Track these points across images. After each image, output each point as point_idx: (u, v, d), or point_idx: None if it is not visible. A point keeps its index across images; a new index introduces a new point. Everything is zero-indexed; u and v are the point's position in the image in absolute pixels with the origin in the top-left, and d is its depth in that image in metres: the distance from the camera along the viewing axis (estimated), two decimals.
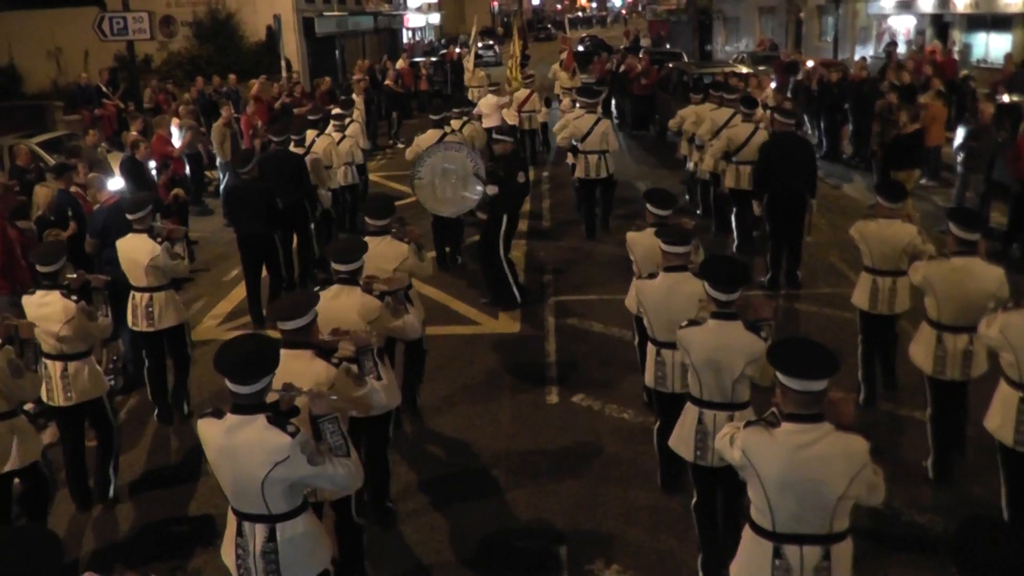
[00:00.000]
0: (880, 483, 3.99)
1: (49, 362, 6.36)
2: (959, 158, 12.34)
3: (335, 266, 5.97)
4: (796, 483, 3.91)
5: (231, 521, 4.33)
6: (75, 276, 6.58)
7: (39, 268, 6.46)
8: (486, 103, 16.91)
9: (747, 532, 4.18)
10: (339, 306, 5.70)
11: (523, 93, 17.50)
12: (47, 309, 6.29)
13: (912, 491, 6.40)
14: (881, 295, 7.35)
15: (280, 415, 4.12)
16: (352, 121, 13.82)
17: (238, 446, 4.05)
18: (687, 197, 14.26)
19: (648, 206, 7.24)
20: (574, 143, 12.60)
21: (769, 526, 4.04)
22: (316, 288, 6.09)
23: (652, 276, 6.18)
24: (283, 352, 4.70)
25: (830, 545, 3.98)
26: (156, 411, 8.04)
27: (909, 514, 6.19)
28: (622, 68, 22.62)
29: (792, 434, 3.93)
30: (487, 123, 15.28)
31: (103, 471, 6.81)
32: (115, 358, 8.70)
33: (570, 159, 13.33)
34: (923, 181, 14.27)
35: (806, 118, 18.65)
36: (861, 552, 4.29)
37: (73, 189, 9.62)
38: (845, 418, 3.98)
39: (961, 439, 6.55)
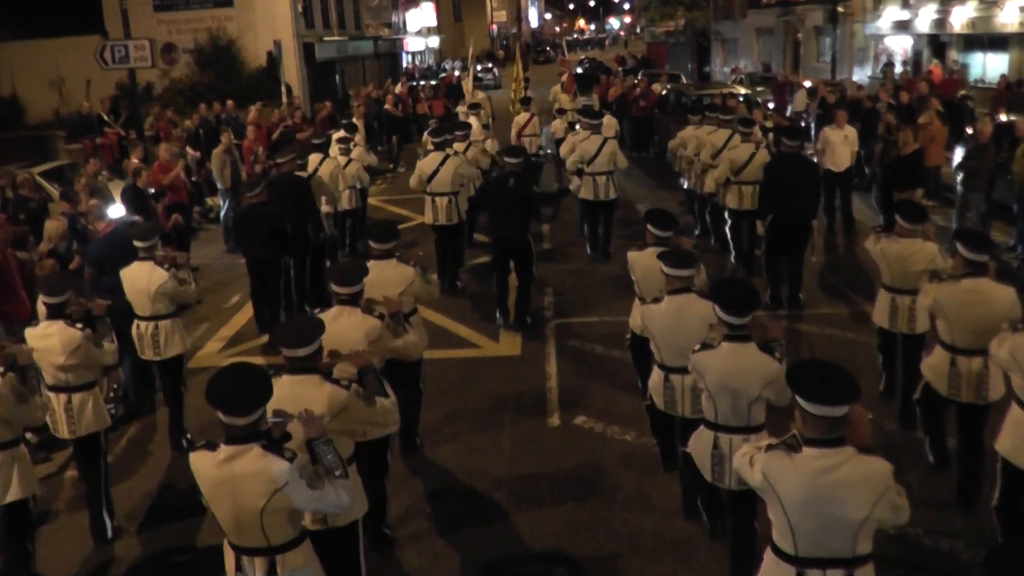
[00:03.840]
0: (904, 503, 3.94)
1: (52, 395, 6.29)
2: (959, 178, 12.36)
3: (336, 288, 5.97)
4: (818, 508, 3.86)
5: (228, 556, 4.27)
6: (76, 305, 6.56)
7: (45, 299, 6.43)
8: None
9: (768, 555, 4.13)
10: (340, 327, 5.70)
11: (524, 117, 17.56)
12: (50, 340, 6.24)
13: (934, 516, 6.28)
14: (900, 314, 7.34)
15: (274, 442, 4.08)
16: (357, 145, 13.89)
17: (235, 477, 4.00)
18: (687, 217, 14.31)
19: (649, 227, 7.27)
20: (581, 165, 12.64)
21: (791, 550, 3.99)
22: (316, 310, 6.09)
23: (657, 300, 6.15)
24: (289, 378, 4.71)
25: (853, 569, 3.93)
26: (170, 438, 8.03)
27: (930, 540, 6.08)
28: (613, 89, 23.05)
29: (814, 459, 3.88)
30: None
31: (97, 513, 6.59)
32: (115, 386, 8.69)
33: (574, 181, 13.37)
34: (923, 201, 14.29)
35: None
36: None
37: None
38: (864, 438, 3.92)
39: (981, 464, 6.39)
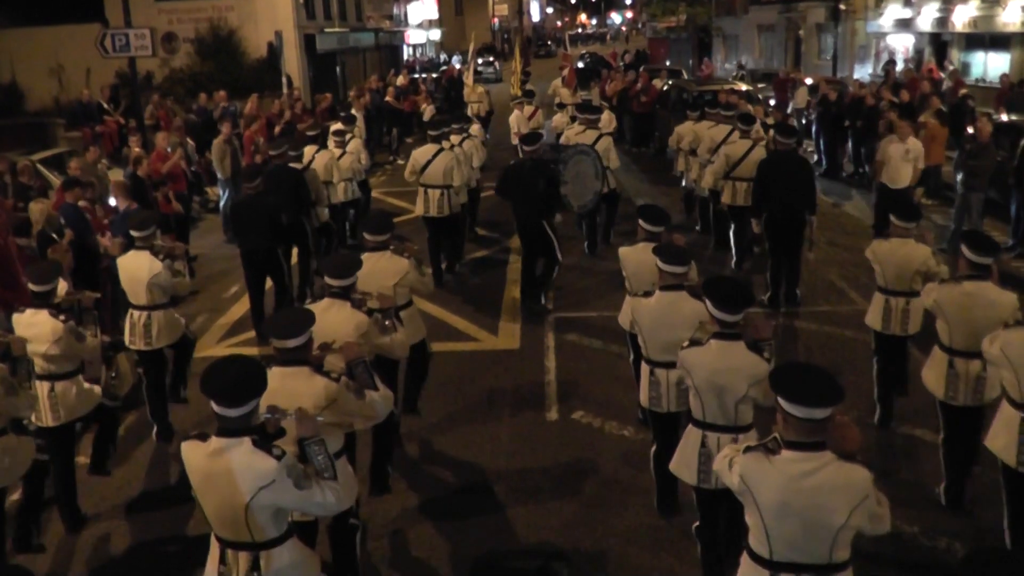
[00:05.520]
0: (885, 513, 3.86)
1: (37, 382, 6.25)
2: (959, 177, 12.35)
3: (328, 280, 5.97)
4: (794, 512, 3.80)
5: (213, 548, 4.24)
6: (67, 296, 6.53)
7: (31, 287, 6.39)
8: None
9: (744, 559, 4.08)
10: (329, 320, 5.68)
11: (528, 109, 17.53)
12: (36, 329, 6.21)
13: (930, 516, 6.29)
14: (894, 316, 7.29)
15: (266, 438, 4.05)
16: (353, 137, 13.85)
17: (222, 471, 3.97)
18: (686, 214, 14.31)
19: (640, 222, 7.24)
20: None
21: (766, 554, 3.93)
22: (308, 301, 6.09)
23: (648, 294, 6.14)
24: (279, 370, 4.69)
25: None
26: (155, 429, 7.99)
27: (926, 539, 6.08)
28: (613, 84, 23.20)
29: (792, 462, 3.83)
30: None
31: (72, 501, 6.62)
32: (113, 375, 8.65)
33: None
34: (923, 200, 14.28)
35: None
36: None
37: (82, 203, 9.67)
38: (851, 444, 3.85)
39: (972, 465, 6.37)
